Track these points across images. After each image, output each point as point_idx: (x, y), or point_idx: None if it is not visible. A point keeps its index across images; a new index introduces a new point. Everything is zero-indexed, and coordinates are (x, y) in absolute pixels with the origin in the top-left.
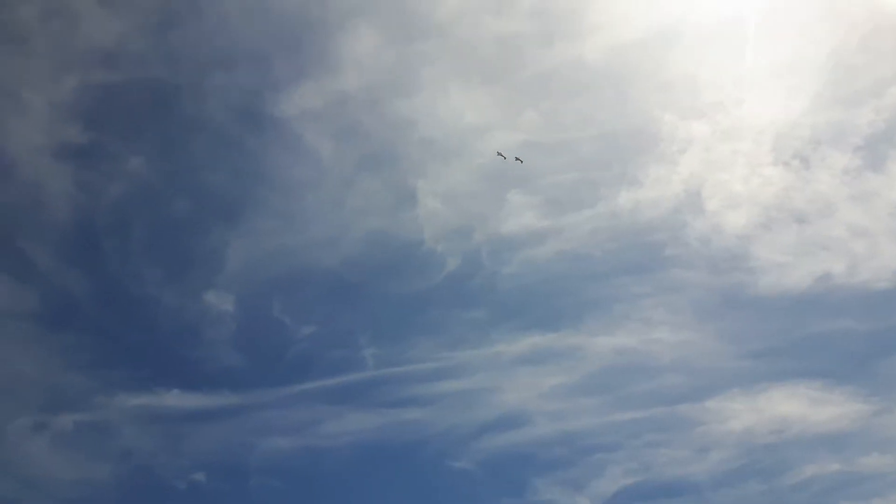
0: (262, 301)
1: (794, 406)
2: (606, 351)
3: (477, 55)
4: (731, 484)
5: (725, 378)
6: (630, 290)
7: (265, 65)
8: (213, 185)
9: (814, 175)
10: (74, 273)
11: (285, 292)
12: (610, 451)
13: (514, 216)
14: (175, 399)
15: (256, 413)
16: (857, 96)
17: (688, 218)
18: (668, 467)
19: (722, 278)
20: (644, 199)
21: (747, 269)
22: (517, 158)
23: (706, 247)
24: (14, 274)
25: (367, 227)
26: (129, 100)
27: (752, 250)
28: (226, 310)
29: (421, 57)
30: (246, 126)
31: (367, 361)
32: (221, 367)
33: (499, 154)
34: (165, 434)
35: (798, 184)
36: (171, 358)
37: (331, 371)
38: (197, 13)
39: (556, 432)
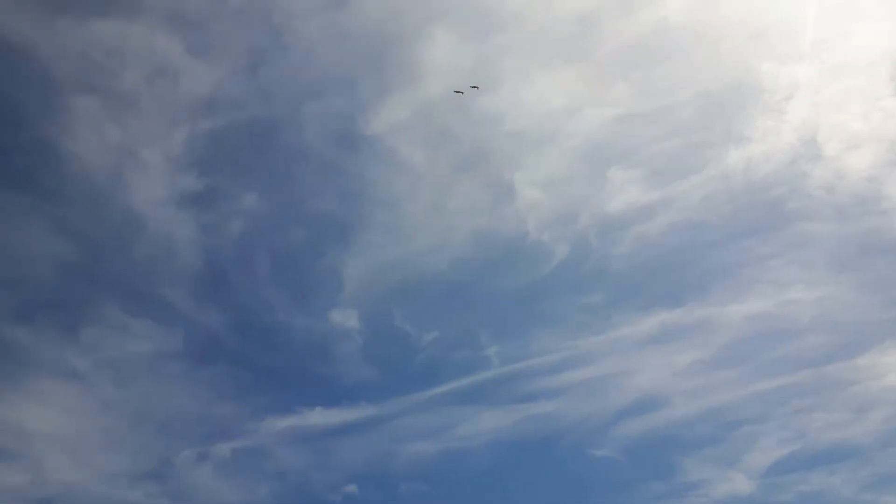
0: (383, 313)
1: None
2: (739, 319)
3: (555, 37)
4: None
5: (874, 331)
6: (755, 252)
7: (351, 87)
8: (322, 210)
9: None
10: (210, 310)
11: (403, 302)
12: (758, 423)
13: (619, 193)
14: (318, 416)
15: (394, 421)
16: None
17: (806, 167)
18: (826, 432)
19: (853, 225)
20: (755, 154)
21: (880, 211)
22: (473, 86)
23: (831, 194)
24: (158, 319)
25: (471, 227)
26: (234, 141)
27: (883, 191)
28: (351, 326)
29: (499, 50)
30: (342, 149)
31: (491, 360)
32: (355, 381)
33: (456, 92)
34: (314, 451)
35: None
36: (308, 378)
37: (458, 373)
38: (282, 49)
39: (697, 410)
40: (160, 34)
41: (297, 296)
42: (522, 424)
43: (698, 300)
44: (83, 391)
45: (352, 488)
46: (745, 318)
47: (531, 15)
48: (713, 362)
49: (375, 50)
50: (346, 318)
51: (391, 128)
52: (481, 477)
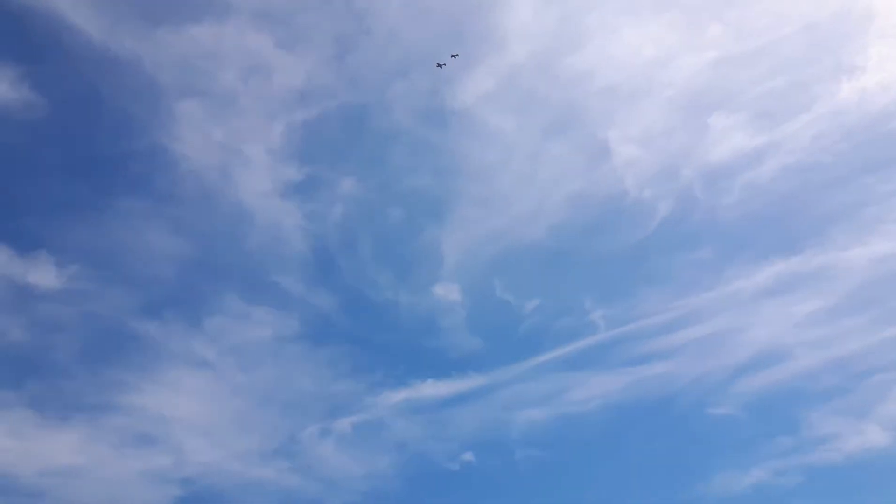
0: (484, 285)
1: None
2: (863, 263)
3: None
4: None
5: None
6: (876, 190)
7: (436, 61)
8: (417, 188)
9: None
10: (321, 293)
11: (503, 272)
12: (891, 371)
13: (722, 141)
14: (430, 388)
15: (505, 389)
16: None
17: None
18: None
19: None
20: (870, 85)
21: None
22: (453, 55)
23: None
24: (274, 305)
25: (566, 191)
26: (328, 129)
27: None
28: (454, 299)
29: (583, 6)
30: (432, 125)
31: (597, 324)
32: (463, 353)
33: (439, 66)
34: (430, 421)
35: None
36: (418, 352)
37: (564, 339)
38: (366, 33)
39: (822, 361)
40: (250, 32)
41: (401, 274)
42: (635, 387)
43: (817, 246)
44: (212, 378)
45: (469, 456)
46: (869, 262)
47: None
48: (837, 310)
49: (457, 22)
50: (448, 292)
51: (478, 99)
52: (597, 441)
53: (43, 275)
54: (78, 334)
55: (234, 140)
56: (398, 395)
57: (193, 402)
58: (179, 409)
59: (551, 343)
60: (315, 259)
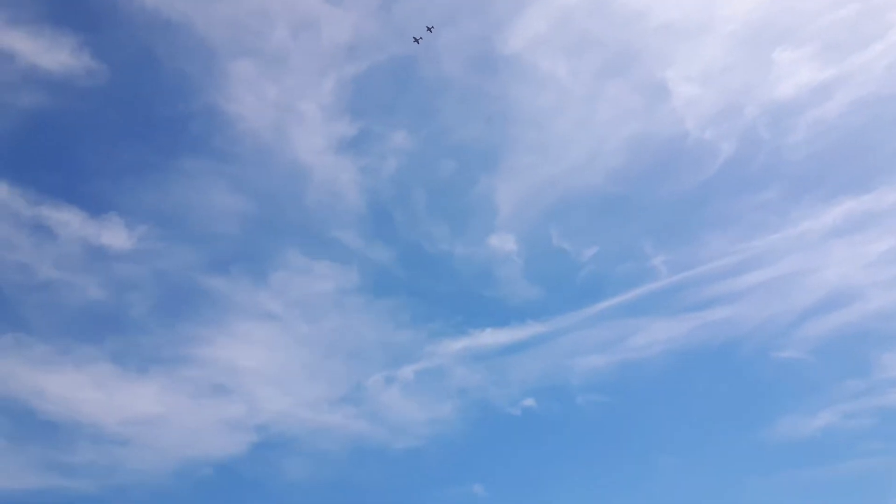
0: (540, 234)
1: None
2: None
3: None
4: None
5: None
6: None
7: (485, 6)
8: (469, 138)
9: None
10: (379, 246)
11: (559, 220)
12: None
13: (788, 76)
14: (489, 337)
15: (564, 337)
16: None
17: None
18: None
19: None
20: None
21: None
22: (428, 28)
23: None
24: (335, 259)
25: (624, 134)
26: (378, 82)
27: None
28: (510, 249)
29: None
30: (482, 73)
31: (658, 270)
32: (521, 301)
33: (416, 41)
34: (490, 369)
35: None
36: (476, 301)
37: (624, 286)
38: None
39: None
40: None
41: (455, 225)
42: (698, 332)
43: (890, 183)
44: (279, 330)
45: (530, 402)
46: None
47: None
48: None
49: None
50: (504, 243)
51: (530, 43)
52: (659, 386)
53: (114, 236)
54: (151, 291)
55: (288, 98)
56: (458, 344)
57: (263, 354)
58: (250, 360)
59: (611, 290)
60: (371, 213)
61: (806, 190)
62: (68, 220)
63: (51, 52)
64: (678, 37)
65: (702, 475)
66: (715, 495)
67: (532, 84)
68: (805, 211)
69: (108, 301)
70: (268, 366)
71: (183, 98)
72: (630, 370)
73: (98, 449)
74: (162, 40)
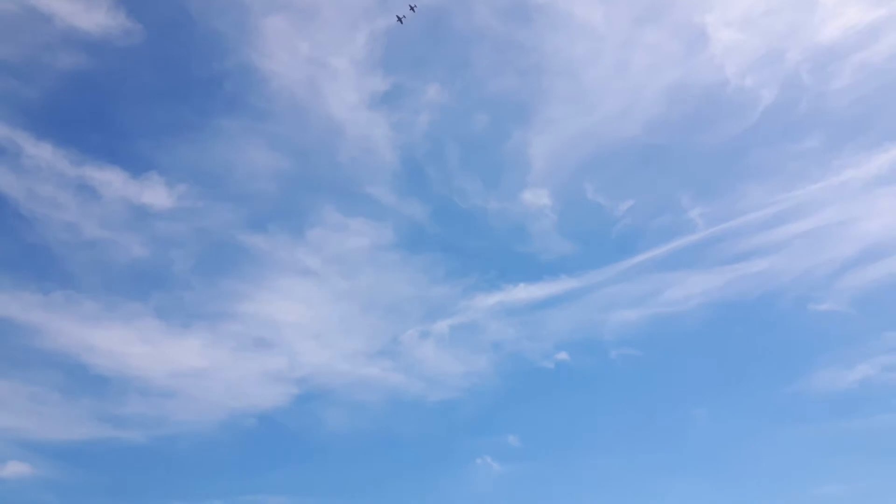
0: (574, 188)
1: None
2: None
3: None
4: None
5: None
6: None
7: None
8: (502, 90)
9: None
10: (412, 203)
11: (594, 173)
12: None
13: (833, 18)
14: (523, 292)
15: (599, 291)
16: None
17: None
18: None
19: None
20: None
21: None
22: (411, 7)
23: None
24: (370, 215)
25: (661, 83)
26: (410, 35)
27: None
28: (543, 204)
29: None
30: (515, 22)
31: (695, 222)
32: (554, 256)
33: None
34: (524, 323)
35: None
36: (509, 257)
37: (659, 239)
38: None
39: None
40: None
41: (489, 180)
42: (735, 285)
43: None
44: (317, 285)
45: (563, 355)
46: None
47: None
48: None
49: None
50: (537, 198)
51: None
52: (694, 340)
53: (155, 194)
54: (192, 249)
55: (320, 53)
56: (492, 299)
57: (302, 309)
58: (290, 315)
59: (646, 244)
60: (404, 169)
61: (849, 137)
62: (111, 180)
63: (88, 13)
64: None
65: (737, 428)
66: (750, 448)
67: (566, 33)
68: (848, 159)
69: (151, 259)
70: (307, 320)
71: (218, 56)
72: (665, 324)
73: (146, 401)
74: None
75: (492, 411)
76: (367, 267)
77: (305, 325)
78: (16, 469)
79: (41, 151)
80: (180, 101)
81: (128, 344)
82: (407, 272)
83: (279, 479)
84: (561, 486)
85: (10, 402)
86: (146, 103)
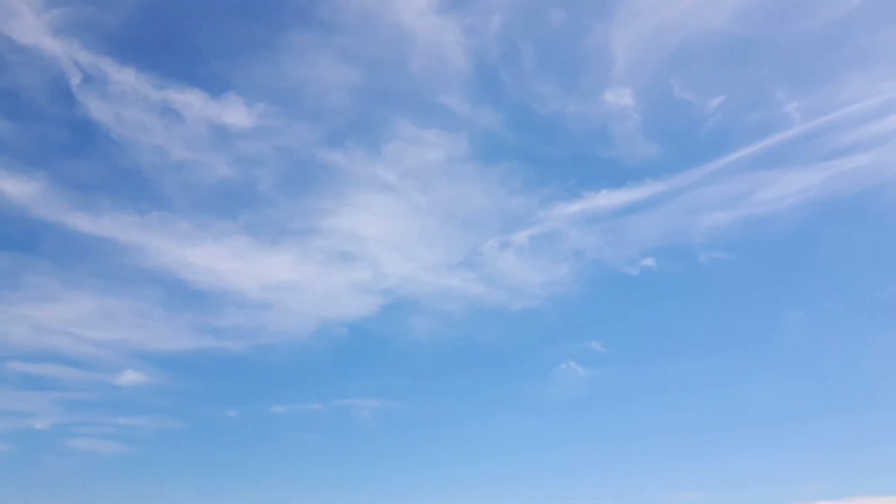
0: (659, 85)
1: None
2: None
3: None
4: None
5: None
6: None
7: None
8: None
9: None
10: (487, 110)
11: (681, 69)
12: None
13: None
14: (605, 198)
15: (686, 194)
16: None
17: None
18: None
19: None
20: None
21: None
22: None
23: None
24: (444, 126)
25: None
26: None
27: None
28: (626, 104)
29: None
30: None
31: (791, 117)
32: (638, 160)
33: None
34: (606, 230)
35: None
36: (590, 162)
37: (752, 137)
38: None
39: None
40: None
41: (567, 82)
42: (834, 182)
43: None
44: (396, 199)
45: (649, 261)
46: None
47: None
48: None
49: None
50: (619, 97)
51: None
52: (789, 241)
53: (235, 114)
54: (275, 167)
55: None
56: (572, 207)
57: (383, 223)
58: (372, 229)
59: (738, 142)
60: (477, 76)
61: None
62: (192, 102)
63: None
64: None
65: (833, 332)
66: (847, 352)
67: None
68: None
69: (236, 178)
70: (388, 234)
71: None
72: (758, 225)
73: (243, 313)
74: None
75: (575, 318)
76: (444, 180)
77: (387, 238)
78: (131, 377)
79: (125, 77)
80: (251, 18)
81: (222, 260)
82: (483, 184)
83: (370, 384)
84: (647, 390)
85: (120, 316)
86: (218, 22)
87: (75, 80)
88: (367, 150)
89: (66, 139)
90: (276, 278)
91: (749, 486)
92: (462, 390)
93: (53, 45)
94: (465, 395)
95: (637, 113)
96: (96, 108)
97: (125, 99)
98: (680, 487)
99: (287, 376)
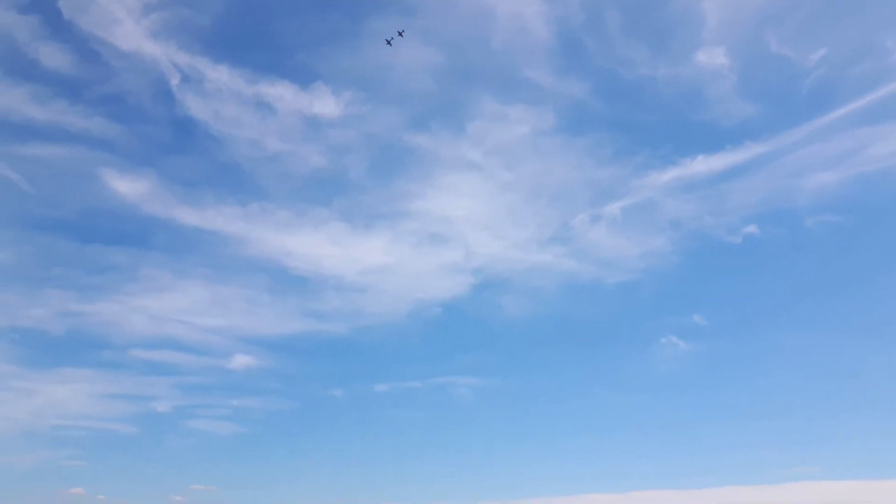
0: (755, 41)
1: None
2: None
3: None
4: None
5: None
6: None
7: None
8: None
9: None
10: (572, 81)
11: (777, 23)
12: None
13: None
14: (702, 164)
15: (789, 156)
16: None
17: None
18: None
19: None
20: None
21: None
22: (399, 33)
23: None
24: (528, 101)
25: None
26: None
27: None
28: (720, 63)
29: None
30: None
31: None
32: (735, 122)
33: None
34: (704, 198)
35: None
36: (683, 128)
37: (859, 90)
38: None
39: None
40: None
41: (656, 45)
42: None
43: None
44: (482, 178)
45: (752, 228)
46: None
47: None
48: None
49: None
50: (712, 57)
51: None
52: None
53: (324, 104)
54: (364, 154)
55: None
56: (667, 175)
57: (471, 202)
58: (460, 210)
59: (844, 97)
60: (561, 46)
61: None
62: (282, 94)
63: None
64: None
65: None
66: None
67: None
68: None
69: (328, 166)
70: (476, 213)
71: None
72: (870, 184)
73: (342, 297)
74: None
75: (674, 291)
76: (530, 155)
77: (475, 217)
78: (242, 361)
79: (219, 74)
80: (333, 8)
81: (320, 246)
82: (572, 156)
83: (465, 362)
84: (754, 364)
85: (230, 304)
86: (302, 15)
87: (174, 80)
88: (451, 131)
89: (170, 138)
90: (370, 262)
91: (868, 461)
92: (558, 367)
93: (153, 49)
94: (561, 371)
95: (732, 72)
96: (195, 107)
97: (220, 95)
98: (796, 463)
99: (386, 356)
